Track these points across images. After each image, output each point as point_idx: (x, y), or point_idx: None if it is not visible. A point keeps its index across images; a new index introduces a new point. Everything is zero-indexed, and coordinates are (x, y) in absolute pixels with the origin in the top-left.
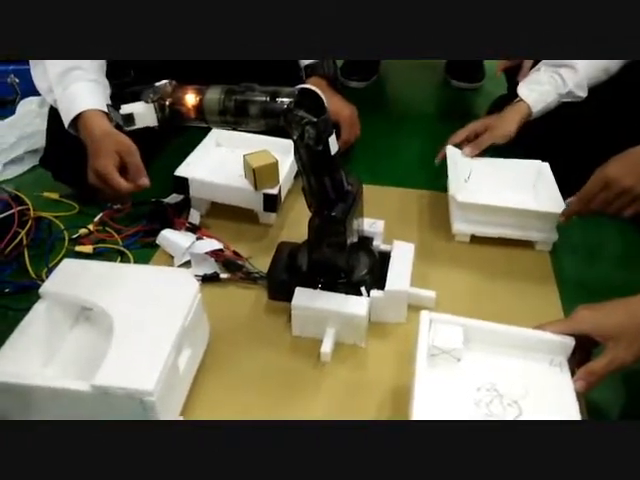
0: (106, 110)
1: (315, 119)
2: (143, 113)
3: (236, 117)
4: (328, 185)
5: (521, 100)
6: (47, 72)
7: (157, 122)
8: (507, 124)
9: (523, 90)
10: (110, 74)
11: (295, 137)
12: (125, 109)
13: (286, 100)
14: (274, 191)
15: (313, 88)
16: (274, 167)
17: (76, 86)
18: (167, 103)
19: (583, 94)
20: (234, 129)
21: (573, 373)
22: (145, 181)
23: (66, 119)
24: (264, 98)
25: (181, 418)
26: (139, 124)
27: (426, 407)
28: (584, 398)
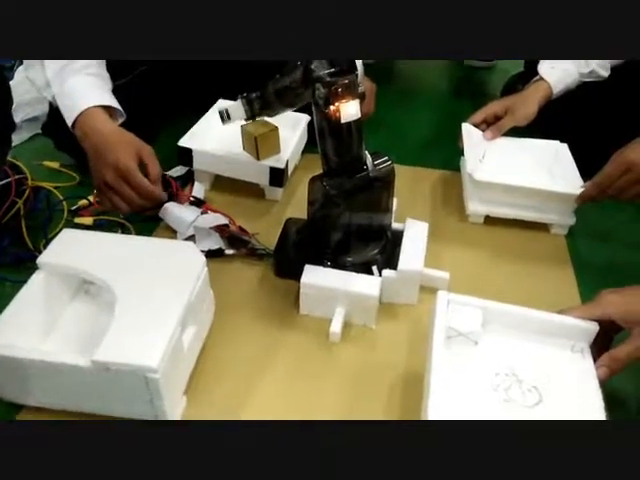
0: (109, 104)
1: (329, 79)
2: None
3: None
4: (331, 152)
5: (541, 79)
6: (45, 69)
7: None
8: (528, 106)
9: (544, 68)
10: (117, 71)
11: (311, 93)
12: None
13: None
14: (281, 165)
15: None
16: (275, 134)
17: (75, 81)
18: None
19: (605, 73)
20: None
21: (593, 360)
22: (163, 195)
23: (69, 117)
24: None
25: (184, 398)
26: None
27: (443, 390)
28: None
